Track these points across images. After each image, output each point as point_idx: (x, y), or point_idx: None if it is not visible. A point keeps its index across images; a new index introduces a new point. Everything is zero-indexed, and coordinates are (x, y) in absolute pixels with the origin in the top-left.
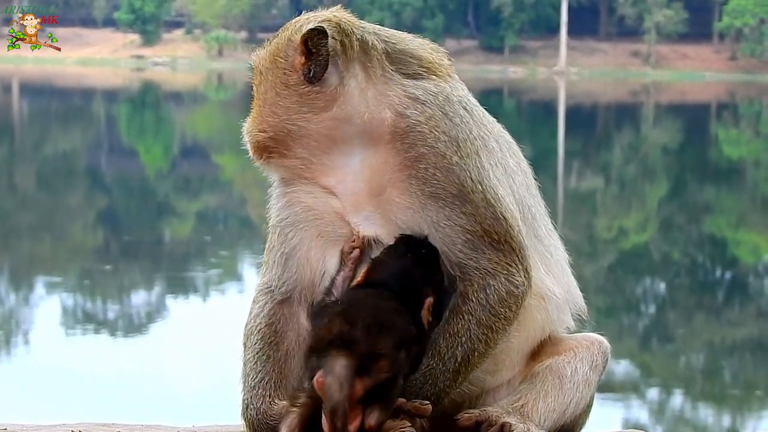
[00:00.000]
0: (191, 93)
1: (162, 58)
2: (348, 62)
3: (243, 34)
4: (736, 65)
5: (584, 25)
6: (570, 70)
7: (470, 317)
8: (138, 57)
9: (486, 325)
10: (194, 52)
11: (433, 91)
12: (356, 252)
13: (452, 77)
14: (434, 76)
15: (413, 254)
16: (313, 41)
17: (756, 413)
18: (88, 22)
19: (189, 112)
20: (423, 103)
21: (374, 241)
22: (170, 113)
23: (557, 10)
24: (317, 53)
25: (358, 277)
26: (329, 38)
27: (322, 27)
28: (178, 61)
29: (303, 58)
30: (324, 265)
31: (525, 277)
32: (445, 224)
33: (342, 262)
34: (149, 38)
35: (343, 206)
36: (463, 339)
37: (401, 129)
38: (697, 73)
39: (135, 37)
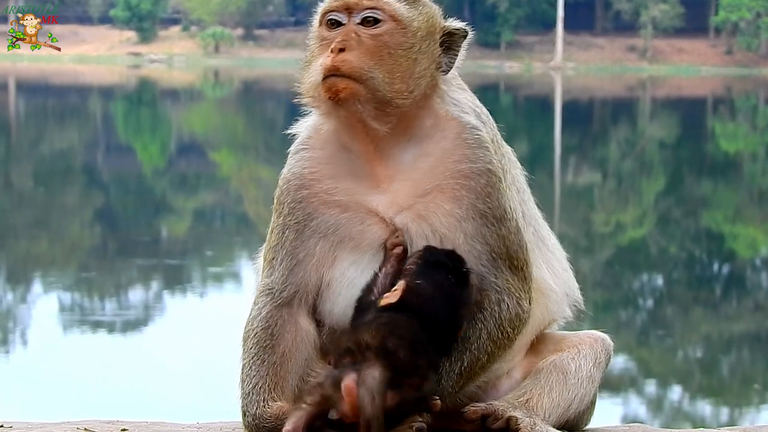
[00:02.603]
0: (188, 90)
1: (158, 55)
2: None
3: (239, 31)
4: (733, 59)
5: (580, 20)
6: (566, 65)
7: (482, 326)
8: (134, 54)
9: (493, 339)
10: (191, 49)
11: (485, 112)
12: (400, 249)
13: None
14: (470, 94)
15: (454, 276)
16: (457, 39)
17: (754, 407)
18: (85, 20)
19: (185, 109)
20: (484, 123)
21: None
22: (167, 110)
23: (553, 5)
24: (454, 50)
25: (397, 289)
26: (464, 42)
27: (467, 31)
28: (174, 58)
29: (440, 48)
30: (332, 272)
31: (528, 305)
32: (478, 240)
33: (385, 259)
34: (146, 35)
35: (380, 201)
36: (473, 346)
37: (473, 139)
38: (693, 67)
39: (131, 35)
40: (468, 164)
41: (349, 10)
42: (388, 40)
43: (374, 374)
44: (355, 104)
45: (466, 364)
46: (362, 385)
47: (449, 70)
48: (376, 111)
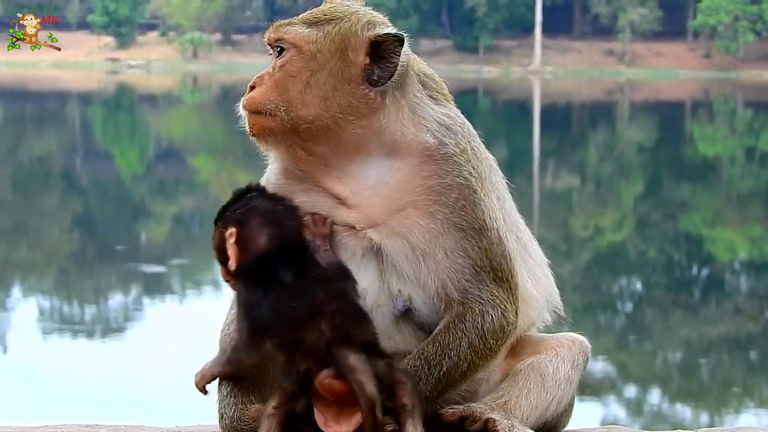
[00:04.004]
0: (166, 95)
1: (136, 60)
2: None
3: (217, 36)
4: (711, 63)
5: (558, 24)
6: (545, 69)
7: (463, 336)
8: (112, 60)
9: (475, 349)
10: (169, 54)
11: (459, 122)
12: (327, 224)
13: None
14: (449, 103)
15: (278, 203)
16: (387, 46)
17: (733, 410)
18: (62, 25)
19: (164, 114)
20: (455, 134)
21: (376, 249)
22: (145, 116)
23: (531, 9)
24: (387, 59)
25: (230, 239)
26: (402, 48)
27: (402, 36)
28: (152, 63)
29: (368, 58)
30: None
31: (515, 317)
32: (459, 254)
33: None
34: (124, 41)
35: (350, 215)
36: (452, 353)
37: (439, 155)
38: (671, 71)
39: (109, 40)
40: (437, 179)
41: (270, 45)
42: (290, 68)
43: (354, 357)
44: (268, 137)
45: (444, 369)
46: (353, 372)
47: (384, 82)
48: (294, 139)
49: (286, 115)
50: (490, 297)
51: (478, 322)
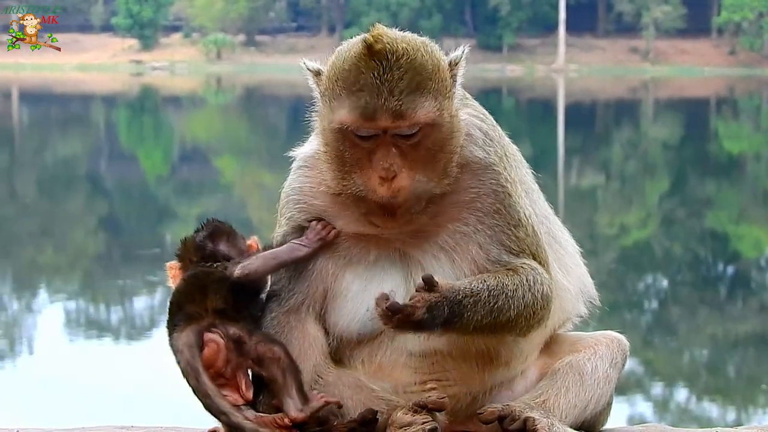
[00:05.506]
0: (190, 97)
1: (160, 62)
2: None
3: (241, 37)
4: (735, 59)
5: (582, 22)
6: (569, 67)
7: (519, 284)
8: (136, 62)
9: (526, 302)
10: (192, 55)
11: (492, 124)
12: (331, 234)
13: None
14: (471, 102)
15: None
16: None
17: (761, 407)
18: (86, 28)
19: (188, 116)
20: (492, 140)
21: (401, 252)
22: (169, 118)
23: (555, 7)
24: (457, 72)
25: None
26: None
27: (463, 52)
28: (176, 65)
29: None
30: (335, 286)
31: (551, 292)
32: (494, 246)
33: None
34: (147, 43)
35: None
36: (510, 292)
37: (480, 165)
38: (696, 68)
39: (133, 42)
40: (474, 190)
41: (386, 128)
42: (430, 145)
43: (182, 337)
44: (408, 213)
45: (498, 304)
46: (176, 354)
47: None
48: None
49: (438, 186)
50: (535, 265)
51: (528, 280)
